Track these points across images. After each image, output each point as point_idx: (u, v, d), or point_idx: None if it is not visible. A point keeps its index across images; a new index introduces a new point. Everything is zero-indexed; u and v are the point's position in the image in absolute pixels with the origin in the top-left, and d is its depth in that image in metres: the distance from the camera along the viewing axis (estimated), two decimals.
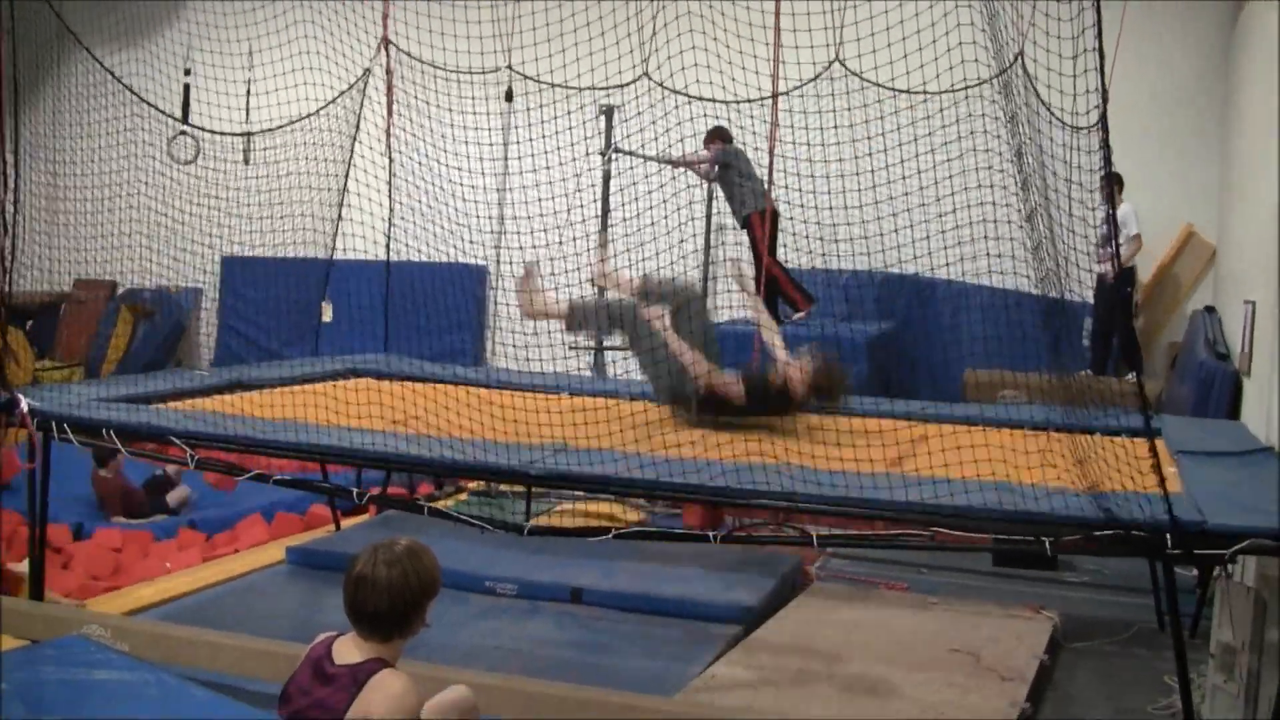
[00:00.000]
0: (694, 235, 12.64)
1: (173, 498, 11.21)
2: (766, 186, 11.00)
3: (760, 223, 11.44)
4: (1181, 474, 6.26)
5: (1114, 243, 5.69)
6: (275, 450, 6.81)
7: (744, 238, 11.96)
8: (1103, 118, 5.27)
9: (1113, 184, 5.51)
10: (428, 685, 4.26)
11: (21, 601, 7.17)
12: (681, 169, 11.45)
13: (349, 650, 4.07)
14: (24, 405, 7.00)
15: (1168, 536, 5.17)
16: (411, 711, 3.96)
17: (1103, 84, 5.21)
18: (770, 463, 6.15)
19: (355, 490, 7.06)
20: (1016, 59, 6.76)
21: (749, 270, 7.99)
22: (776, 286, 11.83)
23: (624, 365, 12.27)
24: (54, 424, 6.96)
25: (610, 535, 6.18)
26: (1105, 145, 5.18)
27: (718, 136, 11.68)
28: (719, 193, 12.66)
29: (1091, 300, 12.26)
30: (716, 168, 11.87)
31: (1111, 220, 5.65)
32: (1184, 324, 13.31)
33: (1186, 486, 5.93)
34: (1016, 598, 8.29)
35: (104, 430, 6.88)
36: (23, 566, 8.62)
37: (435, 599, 4.16)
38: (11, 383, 7.25)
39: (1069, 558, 9.15)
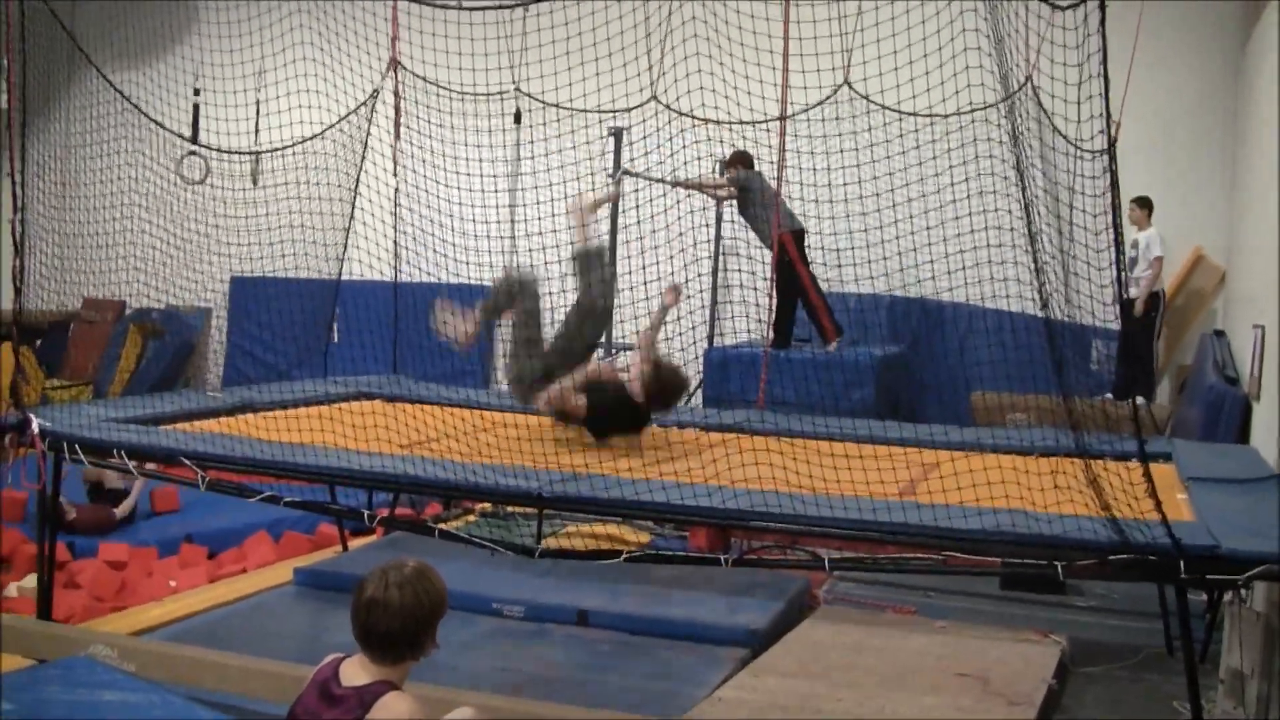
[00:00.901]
0: (700, 259, 12.62)
1: (121, 508, 11.01)
2: (777, 209, 11.01)
3: (794, 243, 11.44)
4: (1193, 499, 6.25)
5: (1119, 267, 5.67)
6: (286, 473, 6.83)
7: (752, 264, 11.91)
8: (1110, 146, 5.28)
9: (1118, 212, 5.51)
10: (435, 707, 4.26)
11: (29, 621, 7.17)
12: (692, 191, 11.43)
13: (356, 672, 4.07)
14: (35, 426, 7.03)
15: (1180, 562, 5.17)
16: None
17: (1107, 110, 5.22)
18: (782, 490, 6.15)
19: (366, 513, 7.06)
20: (1024, 83, 6.78)
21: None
22: (810, 313, 11.84)
23: None
24: (65, 444, 6.98)
25: (622, 558, 6.19)
26: (1112, 170, 5.20)
27: (739, 161, 11.62)
28: (728, 216, 12.66)
29: (1105, 324, 12.26)
30: (736, 190, 11.83)
31: (1118, 246, 5.65)
32: (1193, 347, 13.30)
33: (1199, 512, 5.93)
34: (1024, 622, 8.27)
35: (115, 451, 6.89)
36: (26, 583, 8.65)
37: (443, 619, 4.15)
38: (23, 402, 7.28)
39: (1077, 582, 9.13)
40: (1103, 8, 5.15)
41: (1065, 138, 6.62)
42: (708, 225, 13.11)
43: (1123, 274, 5.60)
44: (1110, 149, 5.30)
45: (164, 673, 6.19)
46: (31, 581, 8.54)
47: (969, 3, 7.31)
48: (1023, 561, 5.59)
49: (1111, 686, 7.35)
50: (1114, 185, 5.24)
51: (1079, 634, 8.09)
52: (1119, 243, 5.55)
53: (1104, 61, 5.08)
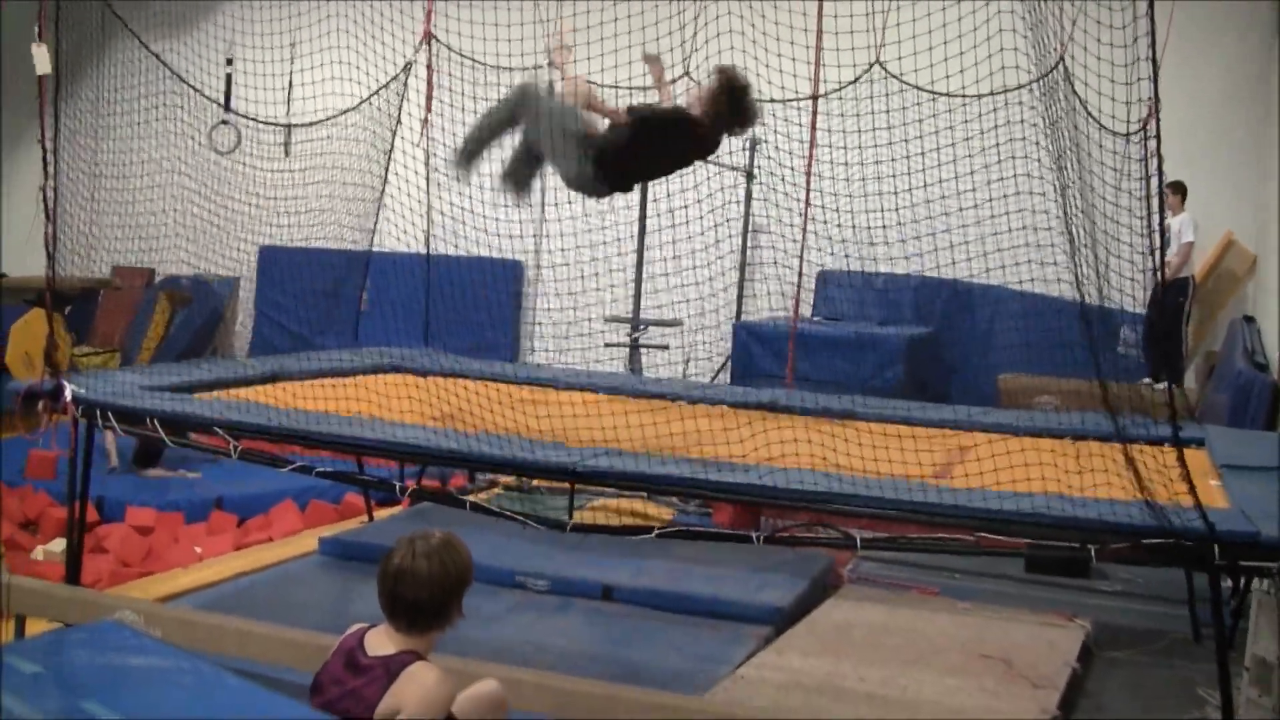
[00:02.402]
0: (730, 236, 12.60)
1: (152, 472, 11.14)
2: (804, 189, 10.93)
3: None
4: (1227, 486, 6.23)
5: (1160, 251, 5.65)
6: (318, 443, 6.85)
7: (779, 241, 11.80)
8: (1155, 127, 5.26)
9: (1162, 194, 5.49)
10: (458, 679, 4.27)
11: (57, 586, 7.21)
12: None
13: (382, 642, 4.09)
14: (69, 393, 7.05)
15: (1215, 547, 5.15)
16: (443, 703, 3.98)
17: (1155, 94, 5.20)
18: (817, 468, 6.15)
19: (397, 484, 7.08)
20: (1058, 64, 6.74)
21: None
22: None
23: (661, 360, 12.31)
24: (98, 411, 7.01)
25: (654, 534, 6.20)
26: (1158, 155, 5.17)
27: None
28: (757, 194, 12.61)
29: (1137, 309, 12.21)
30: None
31: (1161, 229, 5.63)
32: (1222, 333, 13.23)
33: (1234, 498, 5.91)
34: (1049, 605, 8.26)
35: (148, 419, 6.92)
36: (53, 546, 8.71)
37: (468, 591, 4.17)
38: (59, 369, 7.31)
39: (1101, 566, 9.10)
40: None
41: (1099, 122, 6.59)
42: (737, 202, 13.08)
43: (1163, 258, 5.58)
44: (1156, 132, 5.28)
45: (189, 639, 6.19)
46: (58, 545, 8.61)
47: None
48: (1056, 544, 5.58)
49: (1135, 671, 7.33)
50: (1159, 168, 5.22)
51: (1103, 618, 8.07)
52: (1162, 225, 5.53)
53: (1153, 45, 5.04)
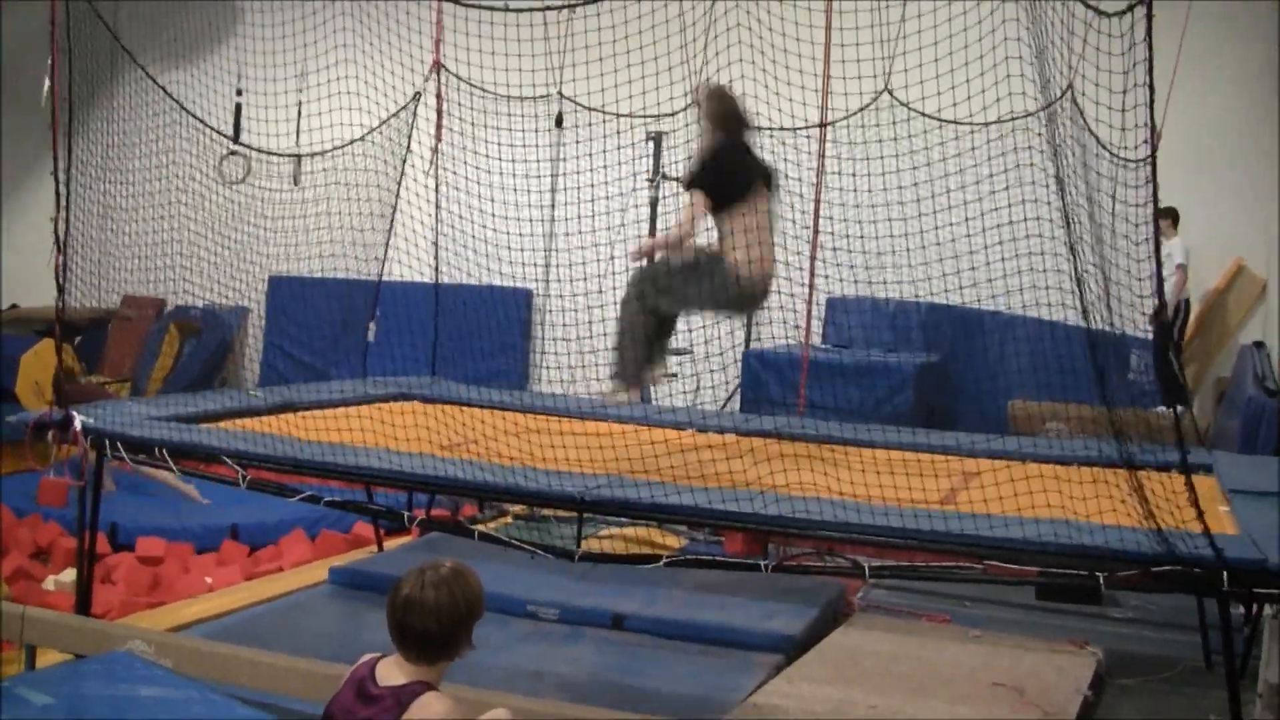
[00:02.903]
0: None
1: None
2: (813, 216, 10.96)
3: None
4: (1235, 512, 6.22)
5: (1159, 277, 5.68)
6: (326, 473, 6.87)
7: (788, 269, 11.80)
8: (1153, 155, 5.27)
9: (1158, 219, 5.51)
10: (469, 708, 4.26)
11: (68, 616, 7.22)
12: None
13: (393, 672, 4.09)
14: (78, 423, 7.08)
15: (1224, 574, 5.14)
16: None
17: (1152, 121, 5.21)
18: (823, 496, 6.15)
19: (405, 514, 7.09)
20: (1065, 92, 6.76)
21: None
22: None
23: (671, 388, 12.30)
24: (107, 442, 7.03)
25: (663, 562, 6.20)
26: (1153, 181, 5.19)
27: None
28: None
29: (1142, 334, 12.21)
30: None
31: (1158, 255, 5.63)
32: (1233, 358, 13.22)
33: (1242, 524, 5.90)
34: (1060, 632, 8.23)
35: (156, 449, 6.94)
36: (64, 577, 8.72)
37: (479, 621, 4.16)
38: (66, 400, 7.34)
39: (1113, 593, 9.07)
40: (1149, 17, 5.14)
41: (1105, 146, 6.61)
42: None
43: (1161, 283, 5.58)
44: (1153, 159, 5.29)
45: (200, 669, 6.21)
46: (68, 575, 8.61)
47: (1011, 11, 7.29)
48: (1064, 572, 5.57)
49: (1148, 699, 7.31)
50: (1155, 195, 5.23)
51: (1115, 645, 8.04)
52: (1158, 251, 5.54)
53: (1150, 71, 5.06)
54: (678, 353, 11.60)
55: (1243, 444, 10.17)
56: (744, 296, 7.06)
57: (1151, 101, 5.17)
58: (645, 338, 7.18)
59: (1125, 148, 6.16)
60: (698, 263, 7.04)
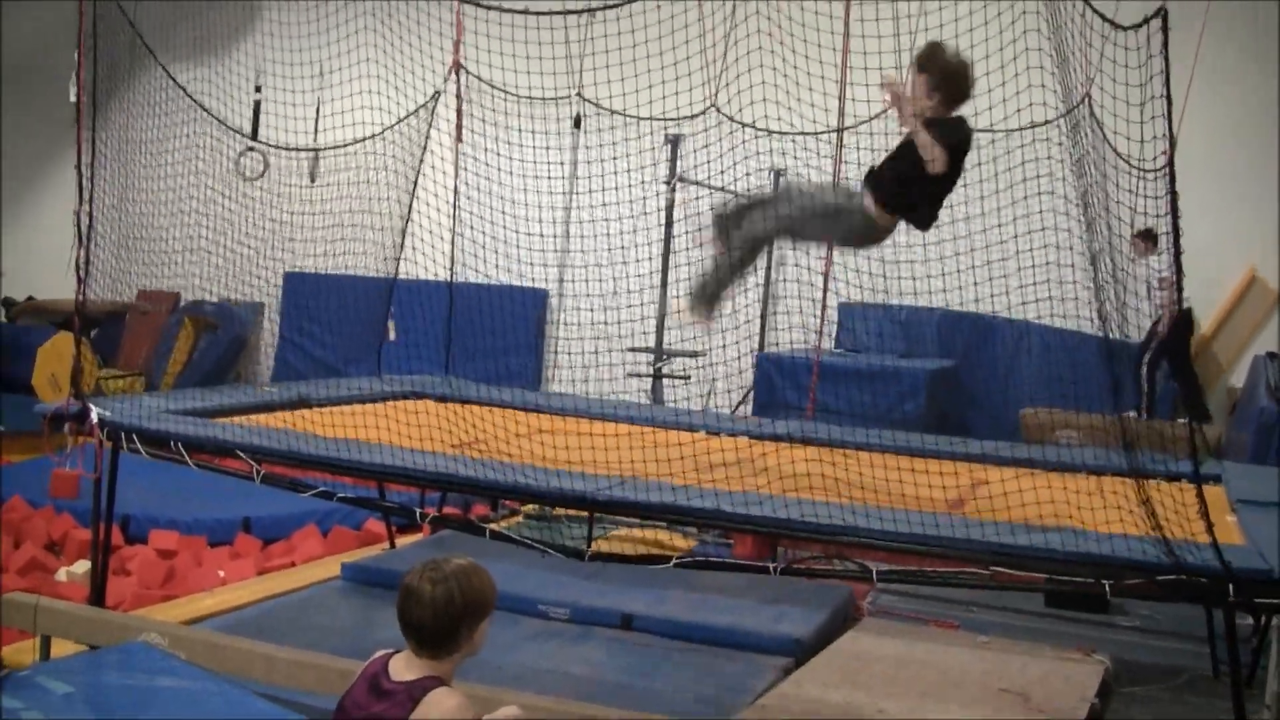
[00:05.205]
0: (754, 268, 12.63)
1: None
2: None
3: None
4: (1242, 522, 6.23)
5: (1179, 286, 5.71)
6: (339, 469, 6.91)
7: (802, 273, 11.82)
8: (1170, 165, 5.29)
9: (1178, 231, 5.52)
10: (479, 705, 4.30)
11: (83, 607, 7.27)
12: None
13: (405, 667, 4.11)
14: (94, 415, 7.13)
15: (1230, 584, 5.16)
16: None
17: (1170, 132, 5.23)
18: (832, 500, 6.18)
19: (417, 511, 7.13)
20: (1083, 101, 6.77)
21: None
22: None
23: (683, 392, 12.34)
24: (122, 435, 7.08)
25: (672, 563, 6.23)
26: (1172, 194, 5.20)
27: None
28: None
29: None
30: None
31: (1178, 264, 5.65)
32: (1245, 369, 13.21)
33: (1249, 534, 5.92)
34: (1068, 640, 8.25)
35: (171, 442, 6.99)
36: (77, 568, 8.77)
37: (489, 619, 4.18)
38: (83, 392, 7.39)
39: (1121, 601, 9.09)
40: (1165, 30, 5.17)
41: (1122, 157, 6.62)
42: None
43: (1182, 290, 5.60)
44: (1170, 169, 5.31)
45: (214, 662, 6.25)
46: (81, 567, 8.66)
47: (1032, 21, 7.30)
48: (1071, 580, 5.59)
49: (1155, 707, 7.32)
50: (1174, 205, 5.25)
51: (1123, 654, 8.06)
52: (1179, 261, 5.55)
53: (1166, 83, 5.09)
54: (692, 354, 11.67)
55: (1254, 454, 10.18)
56: (870, 231, 6.95)
57: (1169, 113, 5.20)
58: (738, 262, 7.12)
59: (1142, 160, 6.17)
60: (839, 193, 7.04)
